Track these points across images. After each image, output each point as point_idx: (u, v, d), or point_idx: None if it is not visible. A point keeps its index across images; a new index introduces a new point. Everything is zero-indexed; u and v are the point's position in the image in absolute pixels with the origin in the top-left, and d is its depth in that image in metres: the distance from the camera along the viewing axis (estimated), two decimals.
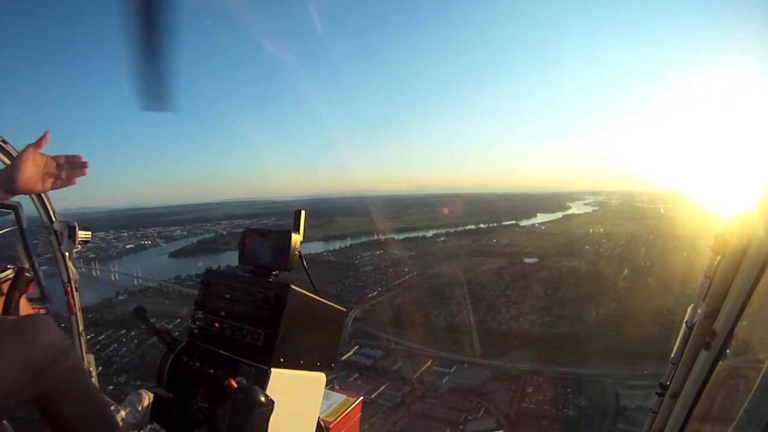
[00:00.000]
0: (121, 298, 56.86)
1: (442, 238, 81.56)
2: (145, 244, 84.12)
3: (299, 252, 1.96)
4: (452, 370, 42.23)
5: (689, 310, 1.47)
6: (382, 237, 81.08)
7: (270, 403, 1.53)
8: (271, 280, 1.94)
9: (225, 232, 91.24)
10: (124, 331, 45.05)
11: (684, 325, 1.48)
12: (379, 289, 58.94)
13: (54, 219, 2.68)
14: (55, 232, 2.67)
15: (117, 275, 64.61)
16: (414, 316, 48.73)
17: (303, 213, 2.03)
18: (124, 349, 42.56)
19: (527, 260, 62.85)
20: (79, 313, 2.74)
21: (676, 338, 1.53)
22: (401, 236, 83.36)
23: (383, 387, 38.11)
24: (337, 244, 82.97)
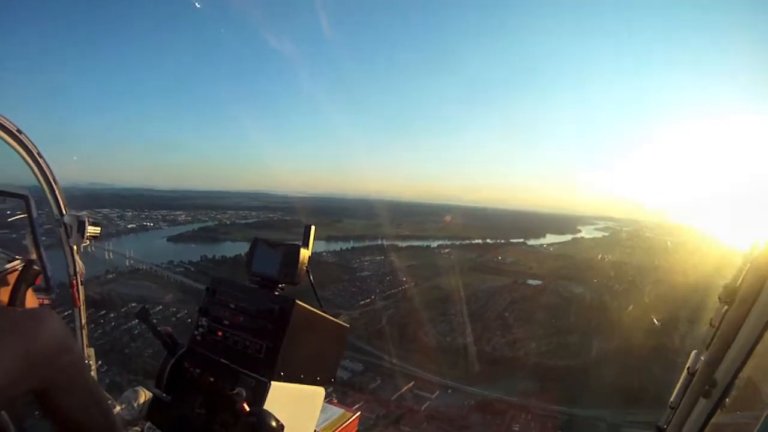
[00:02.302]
0: (110, 276, 56.80)
1: (446, 250, 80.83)
2: (147, 225, 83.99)
3: (307, 267, 1.96)
4: (434, 395, 39.50)
5: (692, 355, 1.47)
6: (385, 243, 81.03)
7: (280, 429, 1.53)
8: (277, 293, 1.94)
9: (228, 222, 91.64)
10: (104, 312, 44.34)
11: (686, 370, 1.49)
12: (373, 296, 57.90)
13: (65, 212, 2.67)
14: (65, 225, 2.66)
15: (111, 254, 63.56)
16: (404, 330, 47.57)
17: (313, 228, 2.04)
18: (99, 331, 41.45)
19: (531, 282, 62.05)
20: (82, 307, 2.73)
21: (677, 383, 1.53)
22: (405, 244, 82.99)
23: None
24: (338, 245, 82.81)
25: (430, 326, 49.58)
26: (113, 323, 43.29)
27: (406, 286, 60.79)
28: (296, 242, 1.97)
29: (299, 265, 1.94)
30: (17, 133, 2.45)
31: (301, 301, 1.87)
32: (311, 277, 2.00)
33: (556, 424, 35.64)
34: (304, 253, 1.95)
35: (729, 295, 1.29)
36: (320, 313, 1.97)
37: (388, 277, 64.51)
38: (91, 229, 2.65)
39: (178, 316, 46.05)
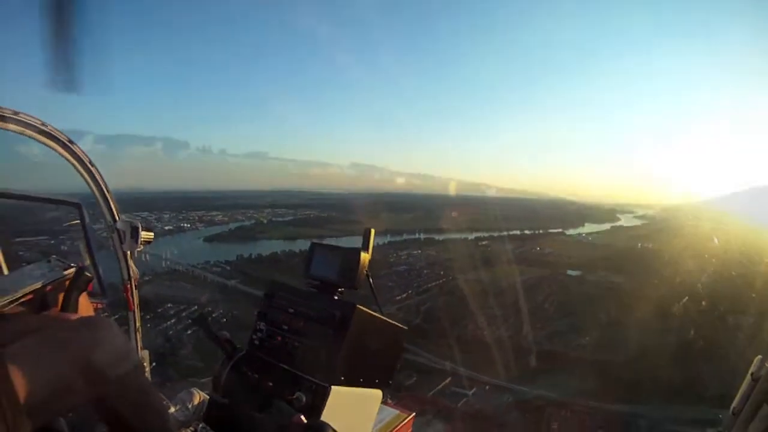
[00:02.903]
0: (147, 278, 56.83)
1: (484, 242, 78.78)
2: (183, 226, 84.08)
3: (367, 271, 1.96)
4: (471, 392, 38.35)
5: (756, 361, 1.44)
6: (422, 236, 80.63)
7: None
8: (336, 297, 1.95)
9: (265, 221, 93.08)
10: (141, 314, 45.47)
11: (749, 376, 1.45)
12: (409, 291, 57.42)
13: (117, 218, 2.75)
14: (118, 231, 2.74)
15: (147, 256, 65.59)
16: (440, 325, 46.27)
17: (372, 231, 2.05)
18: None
19: (570, 272, 60.88)
20: (136, 310, 2.82)
21: (737, 387, 1.49)
22: (442, 237, 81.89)
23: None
24: (376, 241, 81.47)
25: (468, 321, 48.72)
26: (149, 324, 44.78)
27: (443, 280, 60.21)
28: (356, 247, 1.97)
29: (359, 269, 1.94)
30: (69, 144, 2.52)
31: (359, 303, 1.88)
32: (371, 281, 2.00)
33: (596, 422, 34.01)
34: (365, 257, 1.95)
35: None
36: (379, 316, 1.96)
37: (425, 271, 64.04)
38: (145, 234, 2.73)
39: (213, 315, 46.83)
